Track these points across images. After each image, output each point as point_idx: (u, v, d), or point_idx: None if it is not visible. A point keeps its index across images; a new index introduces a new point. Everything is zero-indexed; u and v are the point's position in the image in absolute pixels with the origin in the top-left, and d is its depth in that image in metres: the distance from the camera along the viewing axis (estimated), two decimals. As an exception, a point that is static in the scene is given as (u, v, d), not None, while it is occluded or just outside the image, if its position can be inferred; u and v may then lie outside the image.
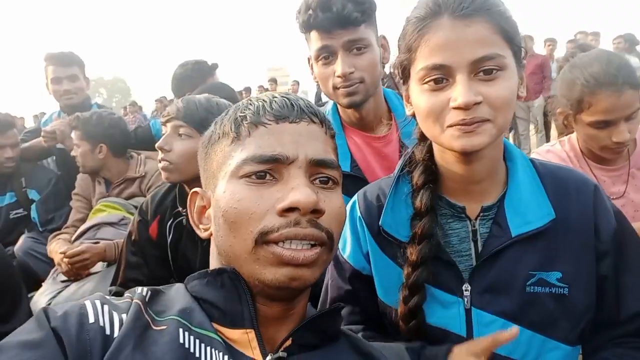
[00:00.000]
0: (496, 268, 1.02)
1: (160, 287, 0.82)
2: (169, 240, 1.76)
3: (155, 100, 15.93)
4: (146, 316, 0.73)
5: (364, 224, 1.13)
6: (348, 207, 1.17)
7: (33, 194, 2.94)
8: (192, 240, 1.73)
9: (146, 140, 2.84)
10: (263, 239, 0.73)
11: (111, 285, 1.83)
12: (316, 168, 0.79)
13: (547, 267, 1.01)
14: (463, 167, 1.02)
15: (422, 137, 1.09)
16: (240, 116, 0.81)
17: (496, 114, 0.92)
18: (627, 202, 1.66)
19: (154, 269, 1.79)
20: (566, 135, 1.83)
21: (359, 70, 1.53)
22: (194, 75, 2.94)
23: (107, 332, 0.69)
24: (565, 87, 1.62)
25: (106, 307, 0.72)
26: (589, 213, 1.04)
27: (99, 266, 2.24)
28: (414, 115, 1.03)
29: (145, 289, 0.79)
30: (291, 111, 0.80)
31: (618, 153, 1.61)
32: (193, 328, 0.73)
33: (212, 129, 0.87)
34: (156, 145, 1.66)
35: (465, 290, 1.03)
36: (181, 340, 0.70)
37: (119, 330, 0.70)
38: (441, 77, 0.92)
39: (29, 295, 2.27)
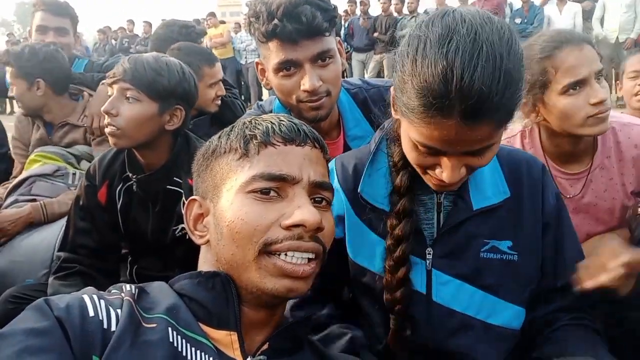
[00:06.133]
0: (457, 236, 1.13)
1: (143, 284, 0.85)
2: (118, 205, 1.72)
3: (98, 31, 14.98)
4: (137, 313, 0.76)
5: (341, 190, 1.20)
6: None
7: None
8: (143, 205, 1.71)
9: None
10: (266, 249, 0.79)
11: (60, 250, 1.78)
12: (316, 189, 0.86)
13: (499, 237, 1.14)
14: None
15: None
16: (249, 135, 0.86)
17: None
18: (580, 206, 1.64)
19: (104, 234, 1.75)
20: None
21: (326, 82, 1.46)
22: (180, 40, 2.60)
23: (105, 325, 0.73)
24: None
25: (103, 302, 0.76)
26: (537, 189, 1.17)
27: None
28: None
29: (133, 286, 0.82)
30: (298, 135, 0.87)
31: (604, 121, 1.46)
32: (180, 329, 0.77)
33: (215, 142, 0.91)
34: (102, 109, 1.58)
35: (428, 254, 1.14)
36: (170, 339, 0.75)
37: (116, 325, 0.73)
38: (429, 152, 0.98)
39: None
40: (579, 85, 1.45)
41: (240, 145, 0.86)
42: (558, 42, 1.47)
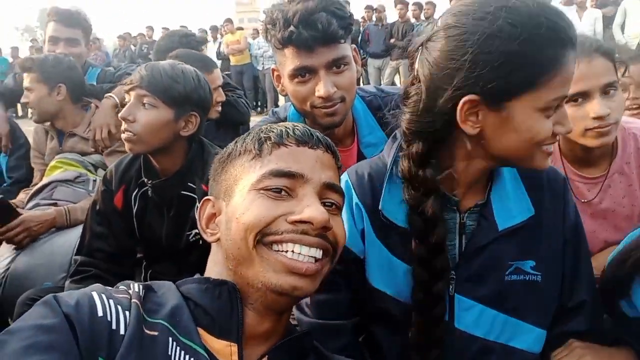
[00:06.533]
0: (481, 258, 1.08)
1: (152, 283, 0.86)
2: (134, 210, 1.74)
3: (118, 37, 15.21)
4: (142, 320, 0.76)
5: (361, 204, 1.13)
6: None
7: None
8: (158, 210, 1.73)
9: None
10: (264, 240, 0.80)
11: (76, 254, 1.81)
12: (326, 191, 0.87)
13: (523, 257, 1.09)
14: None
15: (418, 136, 1.04)
16: (264, 137, 0.88)
17: None
18: (598, 212, 1.62)
19: (120, 238, 1.77)
20: None
21: (340, 89, 1.46)
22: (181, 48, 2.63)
23: (114, 327, 0.73)
24: None
25: (112, 302, 0.76)
26: (560, 203, 1.12)
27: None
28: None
29: (141, 286, 0.82)
30: (310, 138, 0.89)
31: (604, 135, 1.46)
32: (179, 337, 0.77)
33: (232, 146, 0.93)
34: (119, 115, 1.61)
35: (452, 278, 1.08)
36: (169, 352, 0.75)
37: (124, 328, 0.74)
38: None
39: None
40: (580, 97, 1.45)
41: (254, 147, 0.88)
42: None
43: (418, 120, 1.01)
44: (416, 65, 1.01)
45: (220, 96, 2.44)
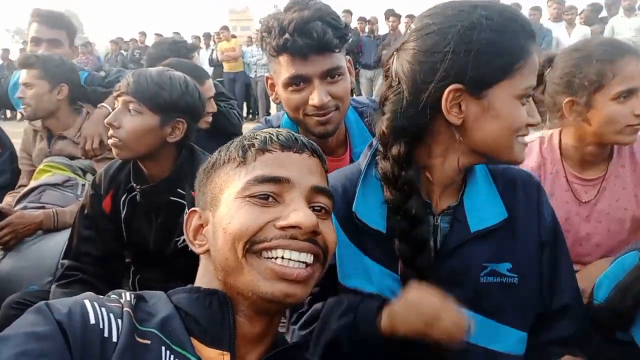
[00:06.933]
0: (454, 260, 1.09)
1: (143, 292, 0.86)
2: (122, 215, 1.75)
3: (110, 41, 15.18)
4: (134, 329, 0.76)
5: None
6: None
7: None
8: (146, 216, 1.74)
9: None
10: (253, 248, 0.79)
11: (63, 258, 1.81)
12: (315, 195, 0.86)
13: (498, 259, 1.10)
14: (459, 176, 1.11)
15: (399, 135, 1.06)
16: (247, 144, 0.88)
17: None
18: (593, 213, 1.67)
19: (108, 243, 1.78)
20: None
21: (334, 98, 1.49)
22: (171, 56, 2.60)
23: (106, 334, 0.72)
24: (571, 71, 1.57)
25: (104, 310, 0.75)
26: (534, 207, 1.15)
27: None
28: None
29: (132, 295, 0.82)
30: (295, 143, 0.88)
31: (636, 133, 1.54)
32: (172, 346, 0.76)
33: (215, 156, 0.92)
34: (105, 121, 1.63)
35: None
36: None
37: (117, 335, 0.73)
38: None
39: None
40: (629, 94, 1.52)
41: (238, 154, 0.87)
42: (622, 49, 1.55)
43: (400, 118, 1.04)
44: (392, 70, 1.06)
45: (211, 107, 2.44)
